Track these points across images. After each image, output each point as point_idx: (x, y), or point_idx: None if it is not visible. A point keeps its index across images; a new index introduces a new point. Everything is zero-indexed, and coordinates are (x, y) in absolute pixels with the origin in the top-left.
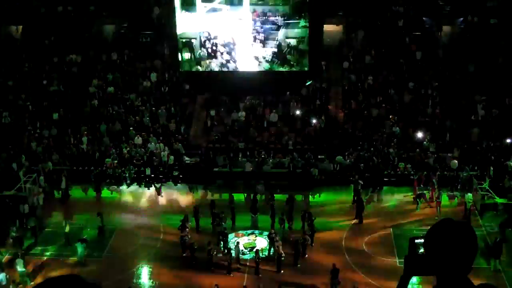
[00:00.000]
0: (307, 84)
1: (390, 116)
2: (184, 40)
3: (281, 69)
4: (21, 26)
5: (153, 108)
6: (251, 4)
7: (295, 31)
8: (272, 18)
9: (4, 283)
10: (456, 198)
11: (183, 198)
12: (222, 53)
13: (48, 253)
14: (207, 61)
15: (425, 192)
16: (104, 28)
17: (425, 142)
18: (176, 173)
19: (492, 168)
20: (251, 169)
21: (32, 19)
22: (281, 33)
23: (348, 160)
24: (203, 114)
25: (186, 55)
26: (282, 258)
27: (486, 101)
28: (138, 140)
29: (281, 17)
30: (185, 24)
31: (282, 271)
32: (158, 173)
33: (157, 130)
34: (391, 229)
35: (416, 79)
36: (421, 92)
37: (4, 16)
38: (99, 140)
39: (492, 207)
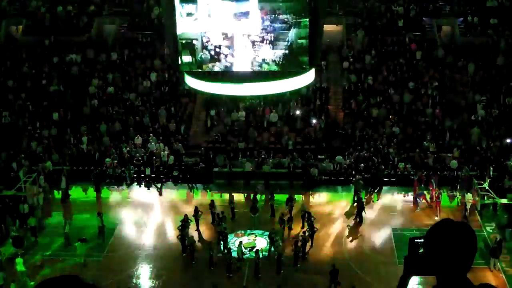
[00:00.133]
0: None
1: (390, 116)
2: (184, 42)
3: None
4: (21, 26)
5: (153, 108)
6: (260, 1)
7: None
8: (282, 16)
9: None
10: (456, 198)
11: (183, 198)
12: (226, 56)
13: (48, 253)
14: (210, 65)
15: (425, 192)
16: (104, 28)
17: (425, 142)
18: (176, 173)
19: (492, 168)
20: (251, 169)
21: (32, 19)
22: (292, 33)
23: (348, 160)
24: (203, 114)
25: (187, 58)
26: (282, 258)
27: (486, 101)
28: (138, 140)
29: (292, 15)
30: (185, 23)
31: (282, 271)
32: (158, 173)
33: (157, 130)
34: (391, 229)
35: (416, 79)
36: (421, 92)
37: (4, 16)
38: (99, 140)
39: (492, 207)
